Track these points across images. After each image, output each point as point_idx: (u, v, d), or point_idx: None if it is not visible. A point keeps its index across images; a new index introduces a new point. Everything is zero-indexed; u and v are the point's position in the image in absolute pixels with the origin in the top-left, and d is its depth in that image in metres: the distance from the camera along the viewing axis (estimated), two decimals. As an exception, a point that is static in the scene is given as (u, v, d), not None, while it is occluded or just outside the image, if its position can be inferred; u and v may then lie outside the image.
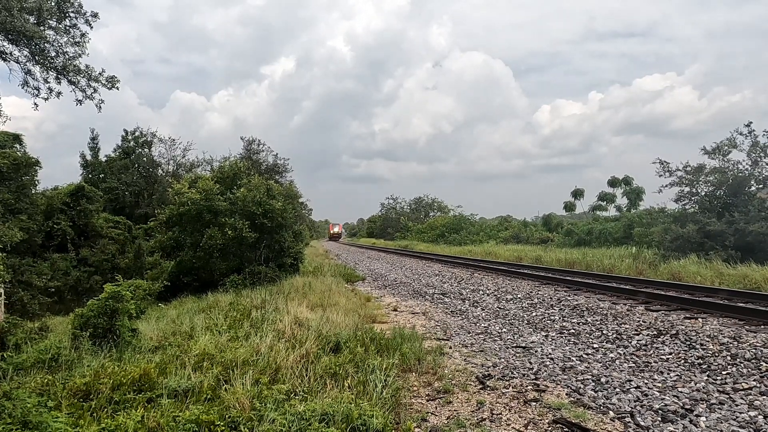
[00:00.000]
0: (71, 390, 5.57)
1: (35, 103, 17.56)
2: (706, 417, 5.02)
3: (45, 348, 7.42)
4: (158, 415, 4.83)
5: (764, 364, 6.45)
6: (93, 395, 5.47)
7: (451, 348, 8.23)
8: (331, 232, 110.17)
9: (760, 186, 21.05)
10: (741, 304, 9.93)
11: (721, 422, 4.90)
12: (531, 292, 13.61)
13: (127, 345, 7.85)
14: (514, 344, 8.46)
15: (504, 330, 9.64)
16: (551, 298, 12.35)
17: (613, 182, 41.17)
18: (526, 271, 18.67)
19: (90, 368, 6.41)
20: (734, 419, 4.95)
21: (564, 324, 9.77)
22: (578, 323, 9.71)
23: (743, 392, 5.65)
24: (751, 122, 21.54)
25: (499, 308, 11.90)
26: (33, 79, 17.33)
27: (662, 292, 11.88)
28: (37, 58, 16.58)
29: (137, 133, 42.10)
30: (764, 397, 5.46)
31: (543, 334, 9.18)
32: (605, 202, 41.72)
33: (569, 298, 12.08)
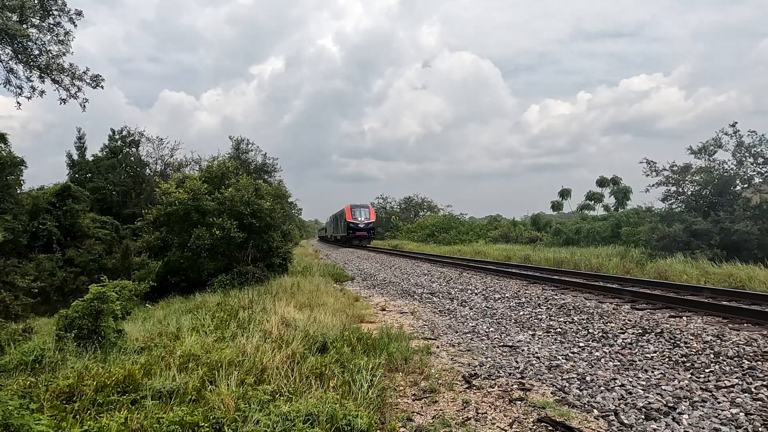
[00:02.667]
0: (54, 392, 5.51)
1: (18, 102, 17.41)
2: (688, 415, 5.07)
3: (28, 350, 7.33)
4: (142, 417, 4.79)
5: (746, 362, 6.52)
6: (76, 397, 5.41)
7: (438, 347, 8.24)
8: (351, 222, 51.02)
9: (745, 185, 21.30)
10: (725, 303, 10.04)
11: (704, 420, 4.95)
12: (519, 291, 13.66)
13: (112, 346, 7.78)
14: (501, 343, 8.49)
15: (491, 329, 9.67)
16: (539, 297, 12.41)
17: (601, 182, 41.53)
18: (514, 271, 18.73)
19: (74, 370, 6.35)
20: (716, 417, 5.00)
21: (551, 323, 9.82)
22: (565, 322, 9.77)
23: (725, 390, 5.70)
24: (736, 122, 21.79)
25: (487, 307, 11.94)
26: (16, 77, 17.20)
27: (648, 291, 11.97)
28: (19, 56, 16.42)
29: (125, 133, 41.85)
30: (746, 394, 5.52)
31: (530, 333, 9.22)
32: (593, 202, 42.04)
33: (556, 297, 12.14)
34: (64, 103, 17.84)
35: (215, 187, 19.02)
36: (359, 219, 51.21)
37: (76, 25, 17.29)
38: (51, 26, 16.67)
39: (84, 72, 17.97)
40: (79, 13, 17.22)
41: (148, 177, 40.94)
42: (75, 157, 41.38)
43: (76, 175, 39.43)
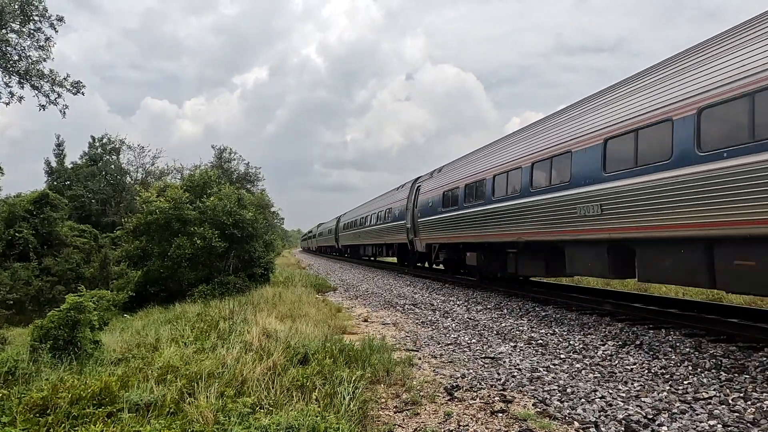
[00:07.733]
0: (27, 404, 5.38)
1: (-4, 108, 17.15)
2: (667, 427, 5.11)
3: (1, 361, 7.17)
4: (118, 430, 4.70)
5: (723, 374, 6.61)
6: (50, 410, 5.29)
7: (420, 359, 8.22)
8: None
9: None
10: (703, 315, 10.20)
11: None
12: (501, 302, 13.71)
13: (89, 357, 7.65)
14: (483, 355, 8.50)
15: (473, 340, 9.68)
16: (520, 309, 12.47)
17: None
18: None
19: (48, 382, 6.21)
20: (695, 428, 5.05)
21: (532, 335, 9.86)
22: (546, 334, 9.82)
23: (704, 401, 5.76)
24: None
25: (469, 319, 11.95)
26: (-6, 83, 16.92)
27: (628, 303, 12.10)
28: (-2, 61, 16.17)
29: (105, 140, 41.37)
30: (723, 406, 5.58)
31: (512, 344, 9.24)
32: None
33: (538, 309, 12.20)
34: (44, 109, 17.69)
35: (197, 196, 18.87)
36: None
37: (57, 31, 17.15)
38: (31, 31, 16.44)
39: (64, 78, 17.79)
40: (60, 19, 17.05)
41: (129, 185, 40.48)
42: (53, 164, 40.81)
43: (55, 183, 38.83)
